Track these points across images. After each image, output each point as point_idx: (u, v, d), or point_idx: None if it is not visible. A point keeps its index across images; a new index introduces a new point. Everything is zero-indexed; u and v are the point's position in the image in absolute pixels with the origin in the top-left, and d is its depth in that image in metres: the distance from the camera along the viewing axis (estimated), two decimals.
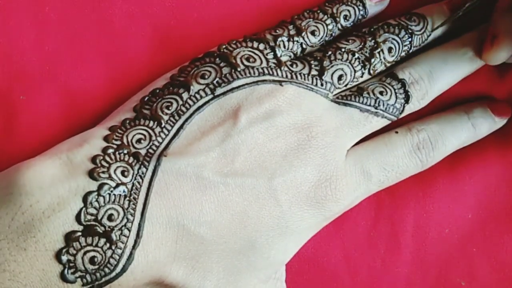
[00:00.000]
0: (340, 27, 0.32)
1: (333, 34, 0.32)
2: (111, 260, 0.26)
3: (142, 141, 0.28)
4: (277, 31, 0.31)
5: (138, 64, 0.31)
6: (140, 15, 0.31)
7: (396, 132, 0.32)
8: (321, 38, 0.31)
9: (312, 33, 0.31)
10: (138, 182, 0.27)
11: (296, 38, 0.31)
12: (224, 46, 0.30)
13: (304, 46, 0.31)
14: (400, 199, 0.34)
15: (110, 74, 0.31)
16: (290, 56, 0.31)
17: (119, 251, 0.26)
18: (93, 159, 0.26)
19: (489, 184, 0.34)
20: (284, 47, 0.30)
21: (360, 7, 0.32)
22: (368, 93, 0.31)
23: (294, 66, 0.30)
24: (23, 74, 0.30)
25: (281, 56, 0.30)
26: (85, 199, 0.25)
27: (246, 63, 0.29)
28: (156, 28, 0.32)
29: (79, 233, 0.25)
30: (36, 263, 0.25)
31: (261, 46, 0.30)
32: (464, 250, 0.34)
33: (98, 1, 0.31)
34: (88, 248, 0.25)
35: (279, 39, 0.30)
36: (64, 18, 0.31)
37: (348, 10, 0.32)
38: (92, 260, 0.25)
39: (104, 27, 0.31)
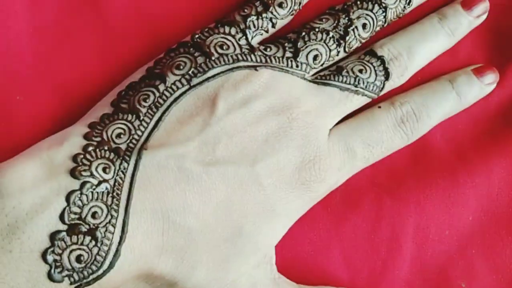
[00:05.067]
0: None
1: (302, 2, 0.31)
2: (98, 258, 0.25)
3: (122, 135, 0.28)
4: (245, 10, 0.31)
5: (134, 64, 0.31)
6: (136, 16, 0.31)
7: (379, 107, 0.32)
8: (290, 8, 0.31)
9: (280, 5, 0.31)
10: (120, 178, 0.27)
11: (264, 15, 0.30)
12: (197, 36, 0.30)
13: (273, 20, 0.31)
14: (401, 201, 0.33)
15: (107, 73, 0.31)
16: (262, 34, 0.31)
17: (105, 248, 0.26)
18: (74, 158, 0.26)
19: (491, 187, 0.34)
20: (254, 26, 0.30)
21: None
22: (348, 72, 0.31)
23: (268, 50, 0.30)
24: (19, 74, 0.30)
25: (253, 37, 0.30)
26: (68, 198, 0.25)
27: (220, 50, 0.29)
28: (152, 28, 0.31)
29: (64, 233, 0.25)
30: (22, 265, 0.24)
31: (233, 31, 0.30)
32: (464, 252, 0.33)
33: (94, 1, 0.31)
34: (74, 246, 0.25)
35: (249, 19, 0.30)
36: (60, 18, 0.31)
37: None
38: (78, 259, 0.25)
39: (100, 27, 0.31)
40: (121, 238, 0.26)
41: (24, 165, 0.26)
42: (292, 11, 0.31)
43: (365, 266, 0.33)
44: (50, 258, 0.25)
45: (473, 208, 0.34)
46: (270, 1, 0.31)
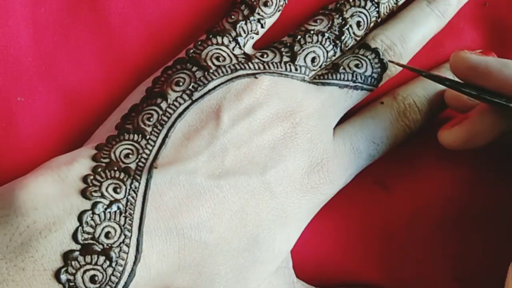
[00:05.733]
0: None
1: None
2: (113, 278, 0.26)
3: (130, 155, 0.28)
4: (233, 16, 0.31)
5: (133, 64, 0.31)
6: (136, 17, 0.31)
7: (382, 103, 0.32)
8: (276, 5, 0.31)
9: (265, 4, 0.31)
10: (132, 197, 0.27)
11: (252, 17, 0.31)
12: (191, 50, 0.30)
13: (262, 21, 0.31)
14: (397, 195, 0.33)
15: (106, 74, 0.31)
16: (253, 38, 0.31)
17: (120, 268, 0.26)
18: (84, 179, 0.26)
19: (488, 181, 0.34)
20: (244, 32, 0.30)
21: None
22: (344, 68, 0.31)
23: (265, 56, 0.30)
24: (20, 75, 0.30)
25: (245, 43, 0.30)
26: (80, 218, 0.25)
27: (217, 63, 0.29)
28: (151, 29, 0.31)
29: (77, 252, 0.25)
30: (34, 283, 0.24)
31: (225, 40, 0.30)
32: (460, 244, 0.34)
33: (94, 2, 0.31)
34: (88, 267, 0.25)
35: (238, 25, 0.30)
36: (60, 19, 0.31)
37: None
38: (92, 279, 0.25)
39: (100, 28, 0.31)
40: (136, 258, 0.26)
41: (37, 184, 0.26)
42: (278, 7, 0.31)
43: (364, 264, 0.33)
44: (63, 277, 0.25)
45: (467, 198, 0.34)
46: (255, 2, 0.31)
